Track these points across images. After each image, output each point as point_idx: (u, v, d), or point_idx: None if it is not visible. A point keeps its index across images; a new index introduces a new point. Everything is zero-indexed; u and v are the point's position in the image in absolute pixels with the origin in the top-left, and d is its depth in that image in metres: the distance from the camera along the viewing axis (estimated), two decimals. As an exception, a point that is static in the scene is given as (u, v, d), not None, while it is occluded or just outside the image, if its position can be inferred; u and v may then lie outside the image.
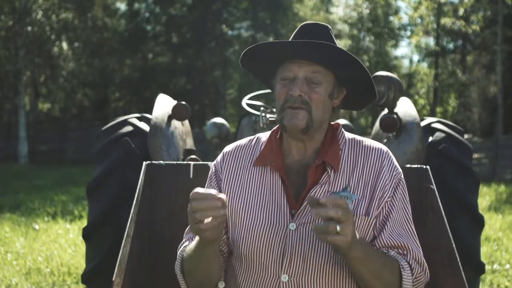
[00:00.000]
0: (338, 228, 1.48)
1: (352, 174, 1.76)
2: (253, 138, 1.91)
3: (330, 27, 1.80)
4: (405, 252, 1.74)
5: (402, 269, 1.70)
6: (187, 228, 1.89)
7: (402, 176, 1.81)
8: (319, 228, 1.50)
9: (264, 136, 1.89)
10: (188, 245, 1.79)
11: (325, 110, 1.76)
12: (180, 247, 1.86)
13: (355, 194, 1.73)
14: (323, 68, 1.73)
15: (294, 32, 1.80)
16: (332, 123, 1.87)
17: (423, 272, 1.76)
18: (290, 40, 1.78)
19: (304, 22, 1.81)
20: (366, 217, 1.72)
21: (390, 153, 1.83)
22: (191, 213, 1.52)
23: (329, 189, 1.74)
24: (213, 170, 1.89)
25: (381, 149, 1.82)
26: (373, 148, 1.81)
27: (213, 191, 1.51)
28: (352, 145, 1.82)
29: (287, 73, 1.74)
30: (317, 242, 1.70)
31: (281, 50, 1.74)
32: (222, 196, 1.52)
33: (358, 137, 1.86)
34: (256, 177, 1.81)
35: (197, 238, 1.67)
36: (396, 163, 1.82)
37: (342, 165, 1.77)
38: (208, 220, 1.51)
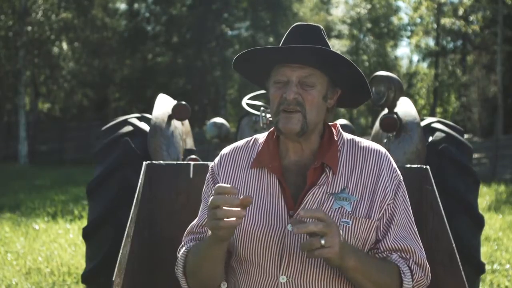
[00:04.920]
0: (322, 241, 1.50)
1: (351, 176, 1.76)
2: (250, 140, 1.90)
3: (321, 27, 1.80)
4: (408, 255, 1.74)
5: (402, 274, 1.71)
6: (186, 231, 1.89)
7: (401, 178, 1.81)
8: (304, 245, 1.53)
9: (261, 137, 1.88)
10: (193, 246, 1.79)
11: (319, 112, 1.76)
12: (179, 250, 1.85)
13: (354, 195, 1.73)
14: (316, 70, 1.72)
15: (286, 34, 1.79)
16: (330, 123, 1.86)
17: (425, 276, 1.76)
18: (282, 41, 1.78)
19: (296, 24, 1.80)
20: (368, 220, 1.71)
21: (389, 155, 1.83)
22: (214, 208, 1.52)
23: (327, 190, 1.73)
24: (210, 173, 1.89)
25: (379, 151, 1.81)
26: (371, 149, 1.81)
27: (236, 190, 1.53)
28: (350, 146, 1.81)
29: (280, 76, 1.73)
30: (315, 243, 1.70)
31: (273, 55, 1.73)
32: (247, 197, 1.53)
33: (356, 138, 1.85)
34: (254, 178, 1.80)
35: (207, 237, 1.67)
36: (394, 165, 1.82)
37: (341, 166, 1.77)
38: (229, 219, 1.51)
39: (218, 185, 1.55)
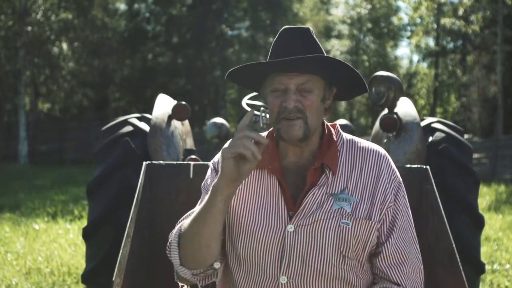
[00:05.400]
0: None
1: (350, 176, 1.76)
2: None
3: (311, 28, 1.79)
4: (403, 268, 1.74)
5: None
6: (183, 216, 1.86)
7: (401, 179, 1.81)
8: None
9: None
10: (191, 212, 1.76)
11: (319, 115, 1.76)
12: (172, 233, 1.81)
13: (353, 196, 1.73)
14: (312, 75, 1.72)
15: (276, 39, 1.77)
16: (329, 124, 1.86)
17: (420, 285, 1.77)
18: (272, 46, 1.77)
19: (284, 28, 1.78)
20: (369, 221, 1.71)
21: (388, 156, 1.83)
22: (245, 137, 1.58)
23: (327, 191, 1.73)
24: (212, 168, 1.89)
25: (379, 151, 1.81)
26: (371, 150, 1.81)
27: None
28: (350, 146, 1.81)
29: (278, 85, 1.73)
30: (315, 244, 1.70)
31: (269, 65, 1.72)
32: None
33: (356, 138, 1.85)
34: (253, 179, 1.80)
35: (209, 192, 1.64)
36: (394, 166, 1.82)
37: (340, 166, 1.77)
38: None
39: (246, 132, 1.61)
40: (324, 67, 1.71)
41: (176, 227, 1.81)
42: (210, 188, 1.66)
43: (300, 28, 1.77)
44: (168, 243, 1.80)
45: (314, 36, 1.77)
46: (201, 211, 1.68)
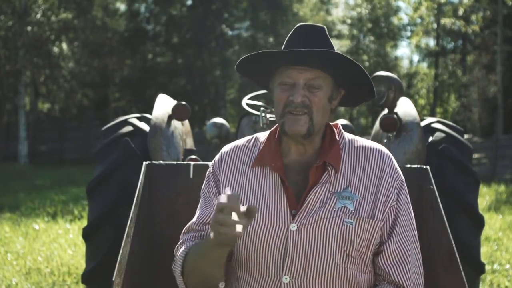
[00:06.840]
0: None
1: (353, 175, 1.76)
2: (251, 138, 1.90)
3: (325, 28, 1.79)
4: (404, 267, 1.73)
5: None
6: (185, 228, 1.87)
7: (403, 178, 1.81)
8: None
9: (262, 136, 1.88)
10: (194, 246, 1.77)
11: (325, 114, 1.76)
12: (178, 248, 1.83)
13: (356, 194, 1.73)
14: (322, 72, 1.72)
15: (290, 34, 1.78)
16: (331, 123, 1.86)
17: (420, 285, 1.77)
18: (286, 41, 1.77)
19: (299, 24, 1.79)
20: (371, 220, 1.71)
21: (391, 155, 1.83)
22: (215, 224, 1.48)
23: (330, 189, 1.73)
24: (211, 171, 1.88)
25: (382, 150, 1.81)
26: (374, 149, 1.81)
27: (236, 204, 1.47)
28: (352, 146, 1.81)
29: (286, 78, 1.73)
30: (318, 243, 1.69)
31: (281, 57, 1.72)
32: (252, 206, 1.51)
33: (357, 138, 1.85)
34: (255, 177, 1.79)
35: (209, 238, 1.62)
36: (396, 165, 1.82)
37: (343, 165, 1.77)
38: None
39: (220, 201, 1.48)
40: (335, 64, 1.71)
41: (181, 250, 1.80)
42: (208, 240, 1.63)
43: (315, 26, 1.77)
44: (173, 265, 1.81)
45: (327, 34, 1.77)
46: (201, 254, 1.68)
